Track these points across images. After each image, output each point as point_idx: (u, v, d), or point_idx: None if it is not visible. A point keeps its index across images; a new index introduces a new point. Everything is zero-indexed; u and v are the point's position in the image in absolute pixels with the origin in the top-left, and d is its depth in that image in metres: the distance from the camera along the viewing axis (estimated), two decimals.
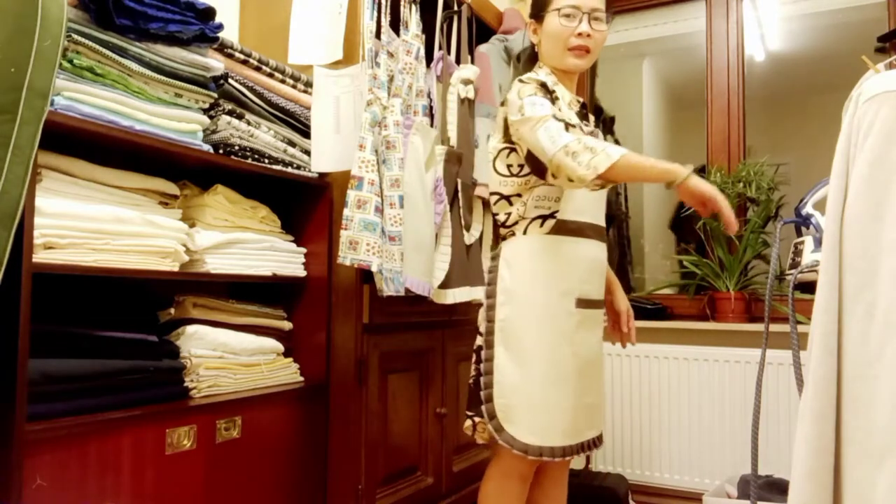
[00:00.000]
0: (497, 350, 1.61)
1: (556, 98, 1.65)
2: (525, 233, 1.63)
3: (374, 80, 1.86)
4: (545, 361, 1.57)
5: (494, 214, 1.72)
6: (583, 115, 1.70)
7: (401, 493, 1.99)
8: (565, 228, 1.62)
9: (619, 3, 3.22)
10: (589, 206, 1.66)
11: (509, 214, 1.68)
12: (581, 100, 1.72)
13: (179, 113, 1.55)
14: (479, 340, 1.67)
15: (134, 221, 1.46)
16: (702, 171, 2.96)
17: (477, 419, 1.65)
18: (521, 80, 1.65)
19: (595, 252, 1.67)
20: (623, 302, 1.85)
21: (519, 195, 1.66)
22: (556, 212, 1.62)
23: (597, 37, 1.65)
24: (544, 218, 1.62)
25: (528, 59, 1.79)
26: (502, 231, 1.70)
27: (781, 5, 2.97)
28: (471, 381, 1.70)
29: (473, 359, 1.70)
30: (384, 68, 1.90)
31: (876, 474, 0.95)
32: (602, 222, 1.71)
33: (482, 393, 1.61)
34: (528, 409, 1.56)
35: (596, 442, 1.69)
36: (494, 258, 1.69)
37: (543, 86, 1.63)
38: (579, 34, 1.62)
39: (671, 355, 2.71)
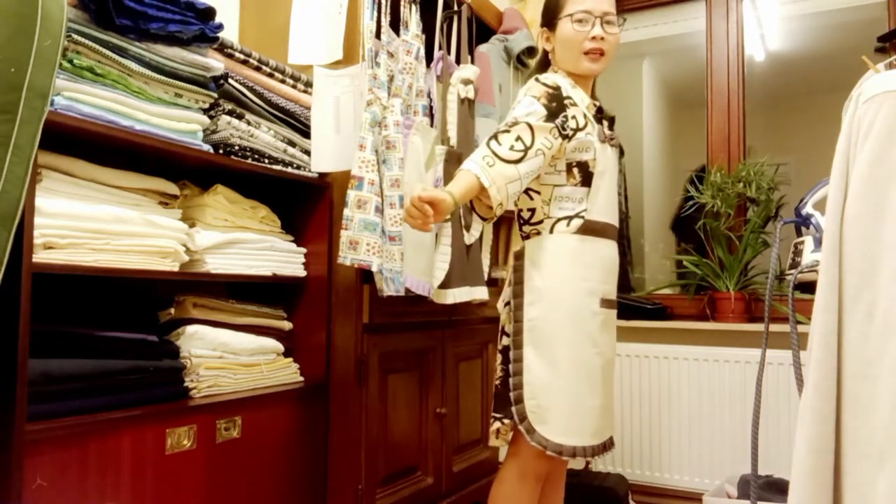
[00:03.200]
0: (526, 350, 1.59)
1: (572, 104, 1.64)
2: (552, 232, 1.63)
3: (374, 80, 1.86)
4: (575, 361, 1.58)
5: (518, 211, 1.71)
6: (598, 119, 1.71)
7: (401, 493, 1.99)
8: (591, 229, 1.64)
9: (619, 4, 3.22)
10: (609, 207, 1.69)
11: (533, 211, 1.67)
12: (597, 104, 1.73)
13: (179, 113, 1.55)
14: (507, 340, 1.66)
15: (134, 221, 1.46)
16: (702, 171, 2.96)
17: (506, 421, 1.64)
18: (537, 80, 1.65)
19: (612, 252, 1.70)
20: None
21: (538, 192, 1.67)
22: (583, 212, 1.64)
23: (610, 40, 1.67)
24: (570, 218, 1.63)
25: (540, 66, 1.79)
26: (526, 229, 1.69)
27: (781, 5, 2.97)
28: (498, 382, 1.68)
29: (499, 360, 1.69)
30: (384, 68, 1.90)
31: (876, 474, 0.95)
32: (617, 222, 1.73)
33: (511, 394, 1.60)
34: (562, 410, 1.56)
35: (610, 443, 1.69)
36: (518, 257, 1.67)
37: (556, 92, 1.62)
38: (593, 38, 1.65)
39: (671, 355, 2.71)
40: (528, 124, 1.55)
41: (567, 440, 1.56)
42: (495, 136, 1.54)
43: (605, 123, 1.74)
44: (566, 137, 1.61)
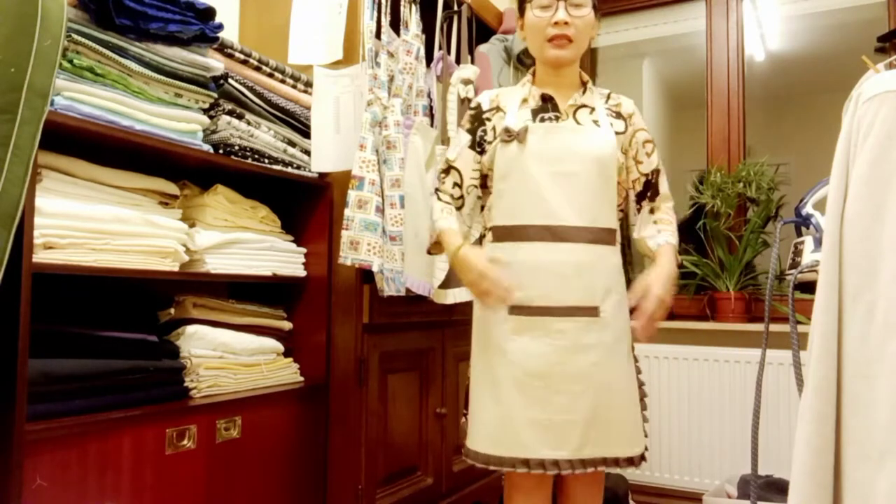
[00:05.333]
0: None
1: (498, 112, 1.62)
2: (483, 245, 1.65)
3: (374, 80, 1.86)
4: (477, 367, 1.58)
5: None
6: (545, 108, 1.59)
7: (401, 493, 1.99)
8: (497, 235, 1.57)
9: (619, 3, 3.22)
10: (527, 206, 1.52)
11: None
12: (545, 93, 1.60)
13: (179, 113, 1.55)
14: None
15: (134, 221, 1.46)
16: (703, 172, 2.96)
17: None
18: (470, 106, 1.68)
19: (545, 255, 1.51)
20: (639, 285, 1.51)
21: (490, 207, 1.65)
22: (490, 220, 1.60)
23: (577, 23, 1.53)
24: (489, 229, 1.62)
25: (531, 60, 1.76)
26: None
27: (781, 5, 2.97)
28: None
29: None
30: (384, 68, 1.90)
31: (876, 474, 0.95)
32: (572, 221, 1.51)
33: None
34: (470, 411, 1.59)
35: (563, 464, 1.48)
36: None
37: (475, 112, 1.65)
38: (556, 23, 1.52)
39: (671, 355, 2.71)
40: (456, 169, 1.63)
41: (469, 442, 1.56)
42: (437, 193, 1.63)
43: (571, 107, 1.59)
44: (485, 153, 1.62)
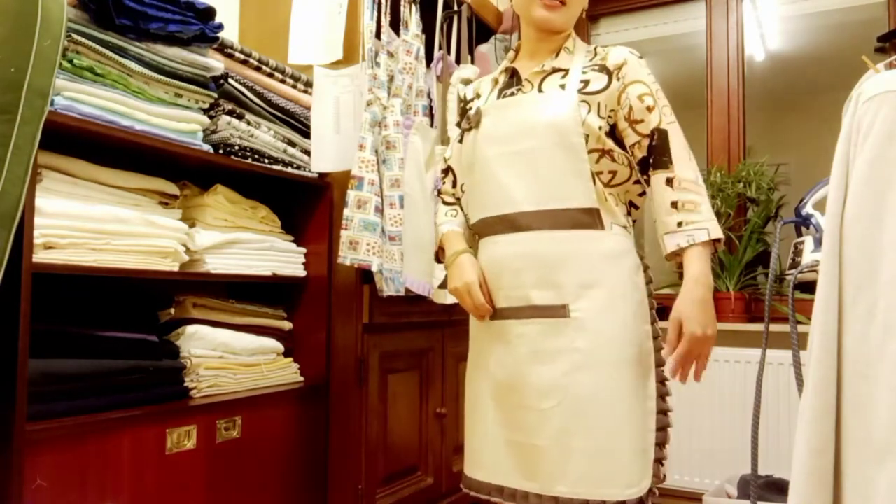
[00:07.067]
0: None
1: (475, 99, 1.49)
2: None
3: (374, 80, 1.86)
4: (468, 379, 1.46)
5: None
6: (509, 84, 1.42)
7: (401, 493, 1.99)
8: (476, 233, 1.44)
9: (619, 3, 3.22)
10: (494, 196, 1.35)
11: None
12: (511, 66, 1.43)
13: (179, 113, 1.55)
14: None
15: (134, 221, 1.46)
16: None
17: None
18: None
19: (502, 248, 1.34)
20: (672, 321, 1.24)
21: None
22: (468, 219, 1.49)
23: None
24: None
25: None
26: None
27: (781, 5, 2.97)
28: None
29: None
30: (384, 68, 1.90)
31: (876, 474, 0.95)
32: (528, 205, 1.31)
33: None
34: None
35: (533, 498, 1.27)
36: None
37: (462, 104, 1.53)
38: None
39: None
40: (452, 169, 1.54)
41: (464, 467, 1.42)
42: (441, 196, 1.55)
43: (536, 79, 1.38)
44: None
